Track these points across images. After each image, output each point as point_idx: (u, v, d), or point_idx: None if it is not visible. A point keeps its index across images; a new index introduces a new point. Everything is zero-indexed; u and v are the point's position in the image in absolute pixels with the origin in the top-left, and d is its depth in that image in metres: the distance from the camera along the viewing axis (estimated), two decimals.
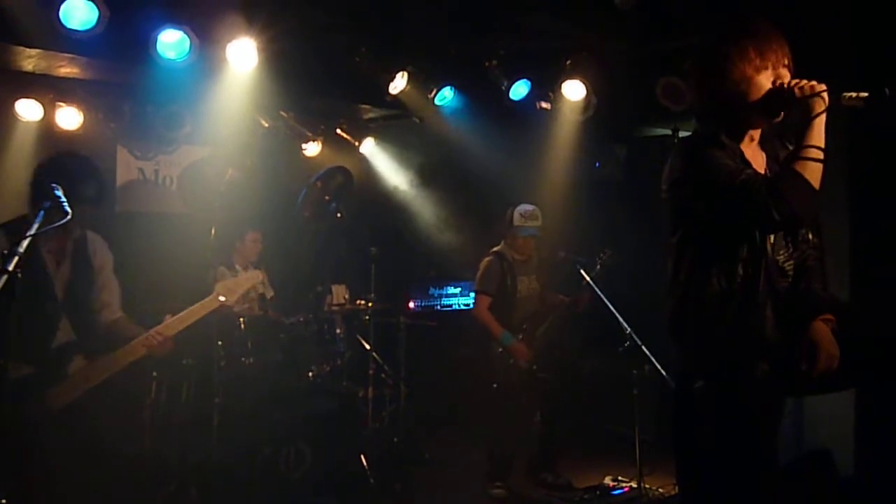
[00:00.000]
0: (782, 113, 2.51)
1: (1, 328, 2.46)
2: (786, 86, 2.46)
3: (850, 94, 2.39)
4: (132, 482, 4.94)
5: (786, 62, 2.51)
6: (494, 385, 5.49)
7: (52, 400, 3.27)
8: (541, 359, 5.51)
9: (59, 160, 3.61)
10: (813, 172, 2.37)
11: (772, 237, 2.50)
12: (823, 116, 2.41)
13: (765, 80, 2.48)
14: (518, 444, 5.58)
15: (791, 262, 2.54)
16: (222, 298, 3.73)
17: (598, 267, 5.50)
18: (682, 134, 6.39)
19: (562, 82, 5.85)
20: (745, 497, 2.48)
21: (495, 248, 5.71)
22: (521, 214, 5.59)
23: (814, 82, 2.42)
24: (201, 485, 4.65)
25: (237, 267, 5.96)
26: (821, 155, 2.39)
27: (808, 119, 2.41)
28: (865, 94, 2.38)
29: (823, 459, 4.30)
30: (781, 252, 2.52)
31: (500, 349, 5.48)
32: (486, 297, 5.59)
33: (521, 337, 5.50)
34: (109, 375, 3.47)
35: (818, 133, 2.41)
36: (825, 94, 2.40)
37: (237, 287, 3.87)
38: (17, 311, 3.07)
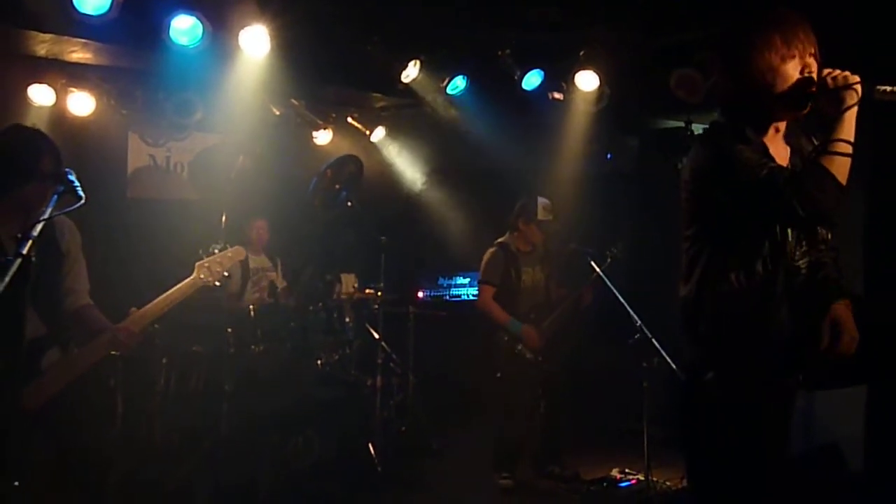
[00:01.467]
0: (810, 104, 2.42)
1: (19, 313, 2.41)
2: (817, 76, 2.38)
3: (884, 87, 2.31)
4: (142, 468, 4.99)
5: (812, 51, 2.42)
6: (498, 375, 5.51)
7: (28, 400, 3.08)
8: (546, 350, 5.51)
9: (7, 136, 3.26)
10: (840, 168, 2.29)
11: (790, 235, 2.45)
12: (855, 109, 2.32)
13: (792, 70, 2.39)
14: (524, 434, 5.58)
15: (806, 259, 2.49)
16: (203, 277, 3.65)
17: (609, 260, 5.48)
18: (695, 126, 6.37)
19: (575, 73, 5.82)
20: (753, 491, 2.47)
21: (500, 240, 5.71)
22: (543, 208, 5.59)
23: (847, 73, 2.34)
24: (209, 471, 4.66)
25: (248, 254, 5.97)
26: (849, 149, 2.30)
27: (840, 111, 2.32)
28: None
29: (833, 454, 4.30)
30: (798, 250, 2.47)
31: (506, 338, 5.48)
32: (490, 287, 5.59)
33: (525, 326, 5.51)
34: (81, 373, 3.25)
35: (849, 126, 2.32)
36: (858, 87, 2.31)
37: (218, 266, 3.77)
38: None
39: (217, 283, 3.70)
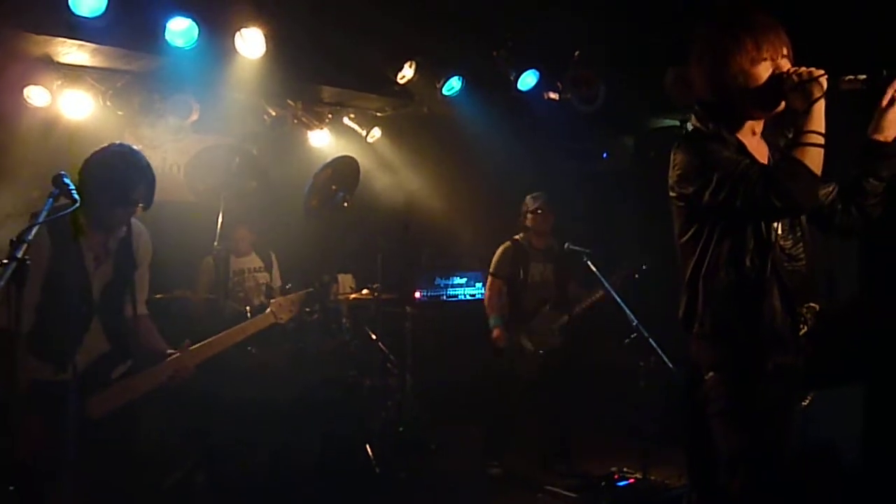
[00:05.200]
0: (782, 103, 2.48)
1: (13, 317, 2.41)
2: (784, 74, 2.44)
3: (848, 77, 2.38)
4: (139, 468, 4.98)
5: (785, 52, 2.48)
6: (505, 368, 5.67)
7: (93, 408, 3.19)
8: (554, 346, 5.69)
9: (112, 157, 3.29)
10: (813, 158, 2.35)
11: (777, 225, 2.50)
12: (822, 101, 2.38)
13: (763, 72, 2.46)
14: (515, 424, 5.74)
15: (801, 245, 2.53)
16: (275, 315, 3.84)
17: (637, 276, 5.56)
18: (689, 125, 6.36)
19: (570, 73, 5.83)
20: (755, 489, 2.47)
21: (516, 237, 5.89)
22: (531, 197, 5.85)
23: (812, 68, 2.40)
24: (207, 472, 4.66)
25: (232, 257, 5.93)
26: (821, 140, 2.36)
27: (808, 105, 2.39)
28: (864, 77, 2.38)
29: (829, 453, 4.30)
30: (789, 238, 2.52)
31: (518, 339, 5.67)
32: (495, 279, 5.81)
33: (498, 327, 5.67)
34: (142, 393, 3.40)
35: (818, 118, 2.38)
36: (823, 79, 2.38)
37: (291, 306, 3.97)
38: (47, 309, 3.07)
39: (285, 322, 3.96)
